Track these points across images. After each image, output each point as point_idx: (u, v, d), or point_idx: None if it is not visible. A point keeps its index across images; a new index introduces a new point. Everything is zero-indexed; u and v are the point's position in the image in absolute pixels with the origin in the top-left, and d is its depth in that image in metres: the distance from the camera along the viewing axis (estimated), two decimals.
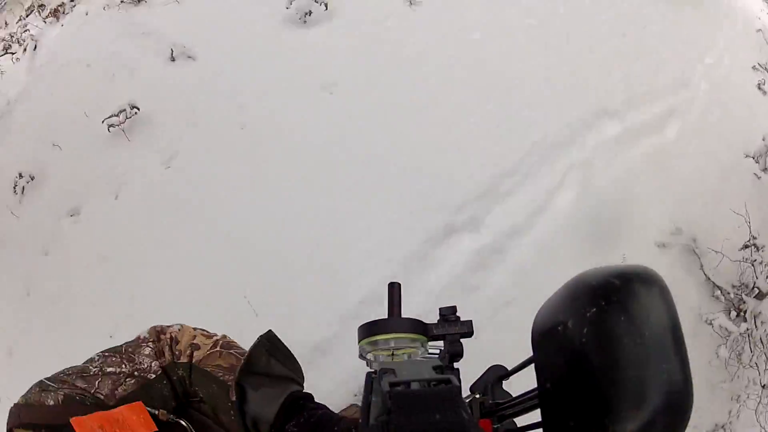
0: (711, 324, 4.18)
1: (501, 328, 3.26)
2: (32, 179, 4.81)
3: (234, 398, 1.04)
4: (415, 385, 0.64)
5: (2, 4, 9.03)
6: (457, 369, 0.88)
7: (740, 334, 4.19)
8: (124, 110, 4.66)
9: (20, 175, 4.85)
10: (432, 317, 0.94)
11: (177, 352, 1.33)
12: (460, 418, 0.56)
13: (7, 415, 1.09)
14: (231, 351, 1.23)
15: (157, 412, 1.10)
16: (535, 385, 0.67)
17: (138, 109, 4.71)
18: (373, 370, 0.85)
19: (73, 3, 7.23)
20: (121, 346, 1.32)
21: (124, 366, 1.26)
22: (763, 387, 4.13)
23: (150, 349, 1.33)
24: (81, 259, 4.07)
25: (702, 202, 5.01)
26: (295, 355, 1.11)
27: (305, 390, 1.09)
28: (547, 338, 0.64)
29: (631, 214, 4.46)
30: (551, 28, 6.04)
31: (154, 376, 1.28)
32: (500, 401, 0.84)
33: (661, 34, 7.73)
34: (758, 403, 4.08)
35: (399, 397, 0.59)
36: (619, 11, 7.15)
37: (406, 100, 4.82)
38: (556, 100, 5.07)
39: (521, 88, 5.12)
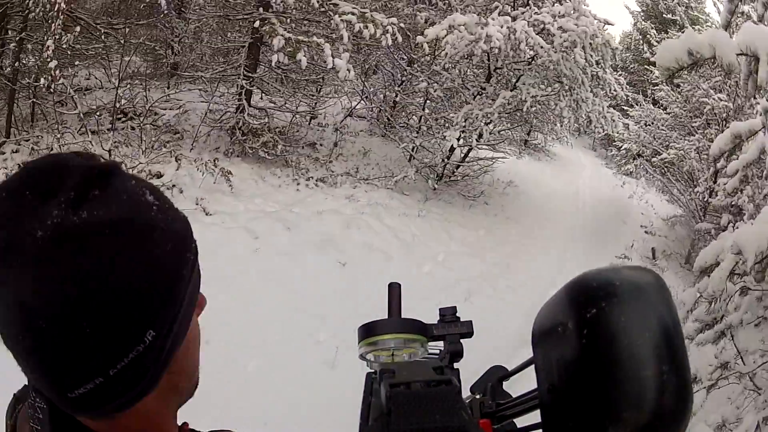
0: None
1: None
2: None
3: None
4: (415, 386, 0.64)
5: None
6: (457, 369, 0.90)
7: None
8: None
9: None
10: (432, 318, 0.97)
11: None
12: (460, 419, 0.58)
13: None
14: None
15: None
16: (535, 386, 0.69)
17: None
18: (372, 371, 0.86)
19: None
20: None
21: None
22: None
23: None
24: None
25: None
26: None
27: None
28: (547, 339, 0.65)
29: None
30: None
31: None
32: (500, 402, 0.85)
33: None
34: None
35: (398, 397, 0.60)
36: None
37: None
38: None
39: None
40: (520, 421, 0.81)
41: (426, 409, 0.59)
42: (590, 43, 9.76)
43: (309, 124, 11.79)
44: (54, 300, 0.59)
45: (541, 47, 9.45)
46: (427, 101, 11.84)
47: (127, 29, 9.40)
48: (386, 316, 0.99)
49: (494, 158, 12.16)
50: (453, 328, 0.96)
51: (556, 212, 12.06)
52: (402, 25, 9.57)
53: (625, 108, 16.78)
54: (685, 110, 14.09)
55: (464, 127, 10.29)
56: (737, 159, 4.42)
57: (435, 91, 11.34)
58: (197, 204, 8.05)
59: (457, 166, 11.73)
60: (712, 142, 11.33)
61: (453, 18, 9.23)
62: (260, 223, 8.04)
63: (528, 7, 10.49)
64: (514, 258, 9.17)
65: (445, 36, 9.07)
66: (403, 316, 0.97)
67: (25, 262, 0.59)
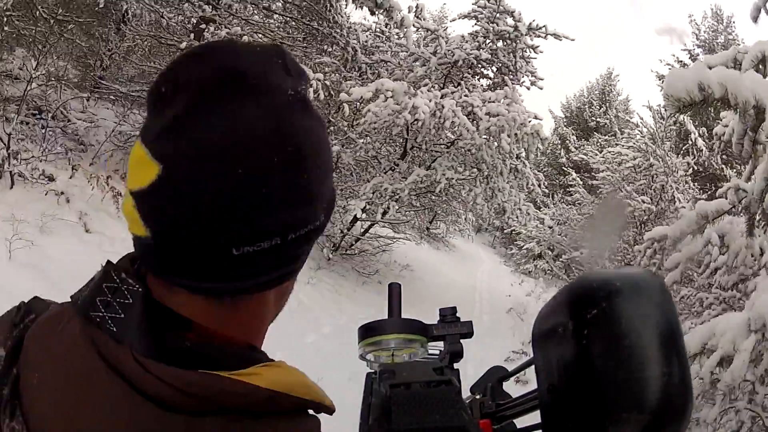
0: None
1: None
2: None
3: None
4: (415, 387, 0.65)
5: None
6: (457, 370, 0.93)
7: None
8: None
9: None
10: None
11: None
12: (460, 419, 0.58)
13: None
14: None
15: None
16: (536, 387, 0.69)
17: None
18: (372, 371, 0.87)
19: None
20: None
21: None
22: None
23: None
24: None
25: None
26: None
27: None
28: (548, 339, 0.65)
29: None
30: None
31: None
32: (500, 402, 0.87)
33: None
34: None
35: (399, 397, 0.61)
36: None
37: None
38: None
39: None
40: (520, 422, 0.81)
41: (426, 409, 0.59)
42: (516, 133, 9.52)
43: None
44: (289, 142, 0.60)
45: (467, 129, 9.13)
46: (336, 168, 11.35)
47: (65, 21, 9.30)
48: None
49: (395, 238, 12.01)
50: (453, 328, 0.97)
51: (453, 302, 11.47)
52: (327, 82, 9.16)
53: (535, 211, 16.88)
54: (601, 212, 14.20)
55: (371, 199, 9.88)
56: (680, 252, 4.07)
57: (347, 156, 10.92)
58: (80, 218, 7.51)
59: (357, 240, 11.43)
60: (629, 244, 11.52)
61: (381, 82, 8.84)
62: None
63: (459, 87, 10.27)
64: None
65: (371, 98, 8.63)
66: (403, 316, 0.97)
67: (275, 103, 0.61)
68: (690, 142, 13.55)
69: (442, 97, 9.33)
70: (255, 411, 0.58)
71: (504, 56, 11.72)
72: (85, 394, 0.57)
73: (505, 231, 20.34)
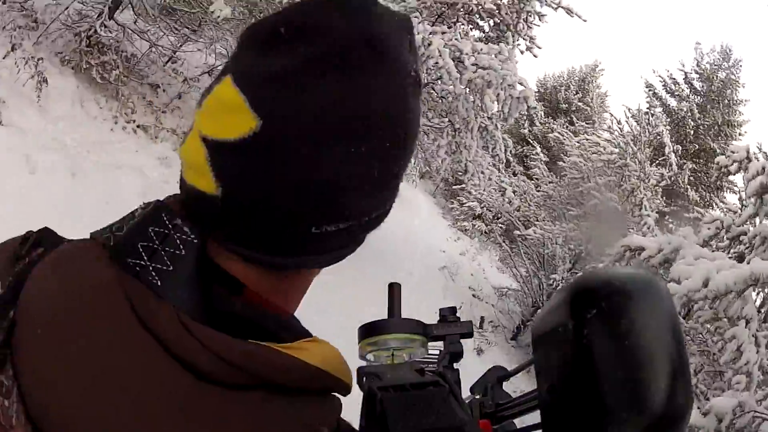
0: None
1: None
2: None
3: None
4: (404, 389, 0.62)
5: None
6: (457, 370, 0.90)
7: None
8: None
9: None
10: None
11: None
12: (458, 420, 0.56)
13: None
14: None
15: None
16: (535, 387, 0.68)
17: None
18: (361, 367, 0.83)
19: None
20: None
21: None
22: None
23: None
24: None
25: None
26: None
27: None
28: (547, 340, 0.64)
29: None
30: None
31: None
32: (500, 402, 0.86)
33: None
34: None
35: (393, 401, 0.58)
36: None
37: None
38: None
39: None
40: (521, 422, 0.79)
41: (422, 411, 0.56)
42: (500, 93, 8.65)
43: (164, 65, 9.99)
44: (401, 127, 0.56)
45: (449, 74, 8.23)
46: None
47: None
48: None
49: None
50: (453, 328, 0.94)
51: (386, 253, 10.74)
52: None
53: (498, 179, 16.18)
54: (561, 196, 13.73)
55: None
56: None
57: None
58: None
59: None
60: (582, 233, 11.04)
61: None
62: (47, 156, 6.49)
63: (451, 29, 9.29)
64: (331, 293, 7.47)
65: None
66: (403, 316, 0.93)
67: (399, 82, 0.56)
68: (665, 156, 13.30)
69: (430, 34, 8.33)
70: (296, 387, 0.54)
71: (507, 14, 10.76)
72: (107, 354, 0.50)
73: (454, 186, 19.45)
